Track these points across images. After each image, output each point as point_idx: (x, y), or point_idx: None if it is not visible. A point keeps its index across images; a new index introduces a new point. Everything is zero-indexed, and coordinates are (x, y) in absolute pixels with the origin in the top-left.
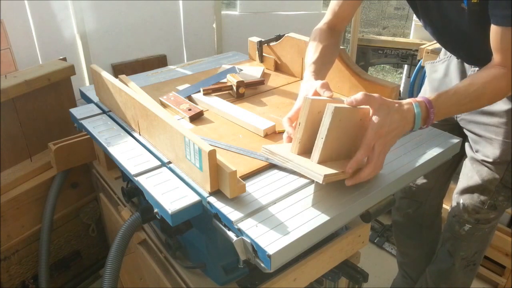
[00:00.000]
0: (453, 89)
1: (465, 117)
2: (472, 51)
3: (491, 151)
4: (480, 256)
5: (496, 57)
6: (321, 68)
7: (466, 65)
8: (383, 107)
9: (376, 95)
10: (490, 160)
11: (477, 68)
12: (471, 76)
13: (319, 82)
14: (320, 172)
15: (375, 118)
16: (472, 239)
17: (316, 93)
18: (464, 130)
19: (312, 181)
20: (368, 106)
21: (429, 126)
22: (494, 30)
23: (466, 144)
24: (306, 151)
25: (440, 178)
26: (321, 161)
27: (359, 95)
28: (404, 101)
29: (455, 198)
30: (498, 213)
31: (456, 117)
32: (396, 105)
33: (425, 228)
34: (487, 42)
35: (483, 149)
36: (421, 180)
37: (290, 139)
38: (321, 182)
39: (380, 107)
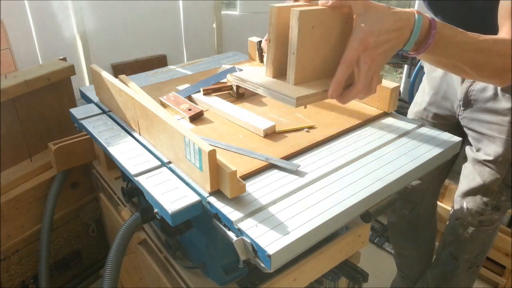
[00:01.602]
0: (461, 30)
1: (467, 115)
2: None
3: (493, 149)
4: (482, 257)
5: (506, 26)
6: None
7: None
8: (370, 10)
9: None
10: (492, 158)
11: None
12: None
13: None
14: (292, 94)
15: (358, 25)
16: (476, 241)
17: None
18: (465, 129)
19: (312, 181)
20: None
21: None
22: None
23: (467, 147)
24: (283, 73)
25: (434, 179)
26: (299, 82)
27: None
28: (402, 9)
29: (457, 201)
30: (501, 214)
31: (458, 116)
32: (389, 9)
33: (420, 228)
34: (494, 20)
35: (485, 147)
36: (415, 181)
37: None
38: (294, 106)
39: (367, 10)
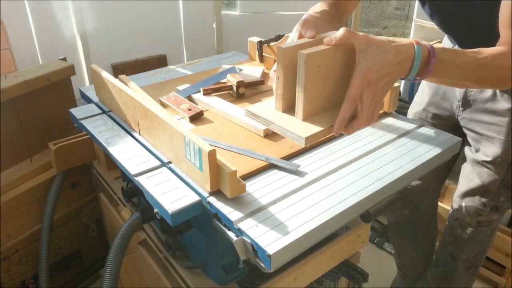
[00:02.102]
0: (460, 51)
1: (466, 116)
2: (483, 38)
3: (492, 150)
4: (481, 257)
5: (505, 34)
6: (321, 17)
7: None
8: (372, 46)
9: (362, 33)
10: (491, 159)
11: None
12: (478, 48)
13: (303, 18)
14: (302, 134)
15: (361, 61)
16: (474, 241)
17: (300, 35)
18: (464, 130)
19: (312, 181)
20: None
21: (426, 77)
22: (505, 4)
23: (466, 148)
24: (292, 106)
25: (435, 179)
26: (307, 116)
27: (339, 32)
28: (402, 40)
29: (456, 202)
30: (500, 214)
31: (457, 116)
32: (390, 43)
33: (421, 228)
34: (495, 25)
35: (484, 148)
36: (416, 181)
37: None
38: (303, 145)
39: (368, 47)
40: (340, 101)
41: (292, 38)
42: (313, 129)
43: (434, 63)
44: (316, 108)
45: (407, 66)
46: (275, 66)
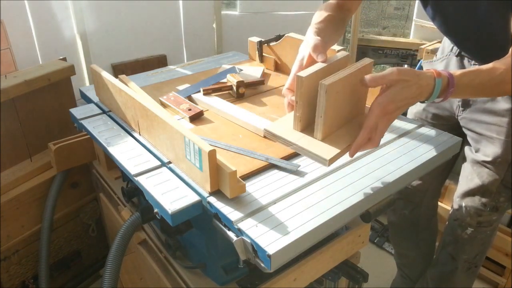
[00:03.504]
0: (477, 71)
1: (466, 116)
2: (483, 42)
3: (492, 150)
4: (481, 257)
5: None
6: (324, 29)
7: (466, 63)
8: (399, 82)
9: (395, 69)
10: (491, 159)
11: (477, 66)
12: (493, 62)
13: (313, 42)
14: (325, 156)
15: (385, 94)
16: (474, 242)
17: (311, 58)
18: (464, 130)
19: (312, 181)
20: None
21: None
22: None
23: (466, 148)
24: (309, 124)
25: (435, 179)
26: (325, 136)
27: (387, 75)
28: (426, 73)
29: (456, 202)
30: (500, 214)
31: (457, 116)
32: (415, 78)
33: (421, 228)
34: (502, 32)
35: (484, 148)
36: (416, 181)
37: (291, 107)
38: (326, 166)
39: (397, 82)
40: (351, 115)
41: (300, 58)
42: (333, 151)
43: (452, 92)
44: (332, 127)
45: (425, 95)
46: (287, 83)
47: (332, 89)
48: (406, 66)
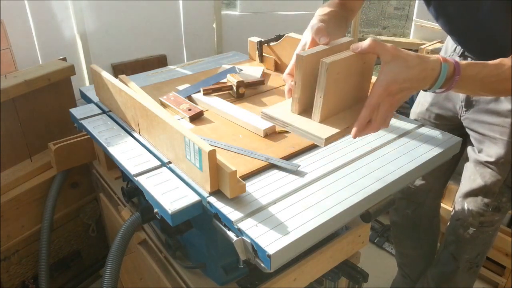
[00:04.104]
0: (483, 63)
1: (469, 116)
2: (486, 44)
3: (495, 151)
4: (483, 257)
5: None
6: (328, 21)
7: None
8: (398, 60)
9: (389, 44)
10: (493, 160)
11: None
12: (499, 59)
13: (316, 26)
14: (321, 135)
15: (384, 72)
16: (476, 242)
17: (314, 42)
18: (467, 130)
19: (312, 181)
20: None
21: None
22: None
23: (469, 148)
24: (307, 108)
25: (438, 179)
26: (324, 118)
27: (366, 43)
28: (430, 57)
29: (458, 202)
30: (502, 215)
31: (460, 116)
32: (417, 59)
33: (423, 228)
34: (505, 32)
35: (487, 148)
36: (419, 181)
37: (290, 93)
38: (322, 146)
39: (395, 59)
40: (353, 102)
41: (303, 43)
42: (331, 130)
43: (458, 80)
44: (332, 110)
45: (430, 81)
46: (288, 70)
47: (334, 69)
48: None
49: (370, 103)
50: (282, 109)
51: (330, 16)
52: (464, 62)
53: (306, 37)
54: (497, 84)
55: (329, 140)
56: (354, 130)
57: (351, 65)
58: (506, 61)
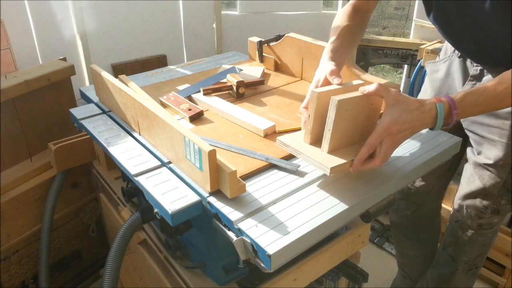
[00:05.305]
0: (481, 89)
1: (468, 118)
2: (485, 46)
3: (494, 153)
4: (482, 259)
5: None
6: (339, 48)
7: (469, 65)
8: (399, 104)
9: (393, 89)
10: (492, 162)
11: (479, 67)
12: (499, 76)
13: (329, 67)
14: (327, 164)
15: (387, 114)
16: (475, 244)
17: (326, 80)
18: (467, 132)
19: (312, 181)
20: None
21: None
22: None
23: (468, 149)
24: (319, 139)
25: (438, 180)
26: (332, 150)
27: (373, 86)
28: (426, 100)
29: (457, 203)
30: (501, 217)
31: None
32: (416, 103)
33: (424, 229)
34: (505, 37)
35: (486, 151)
36: (419, 182)
37: (306, 124)
38: (328, 174)
39: (396, 103)
40: (360, 138)
41: (316, 80)
42: (337, 161)
43: (457, 114)
44: (339, 143)
45: (429, 121)
46: (304, 102)
47: (342, 106)
48: (406, 66)
49: (370, 141)
50: (296, 138)
51: (342, 38)
52: (460, 94)
53: (318, 74)
54: (498, 103)
55: (334, 169)
56: (354, 164)
57: (359, 105)
58: (504, 78)
